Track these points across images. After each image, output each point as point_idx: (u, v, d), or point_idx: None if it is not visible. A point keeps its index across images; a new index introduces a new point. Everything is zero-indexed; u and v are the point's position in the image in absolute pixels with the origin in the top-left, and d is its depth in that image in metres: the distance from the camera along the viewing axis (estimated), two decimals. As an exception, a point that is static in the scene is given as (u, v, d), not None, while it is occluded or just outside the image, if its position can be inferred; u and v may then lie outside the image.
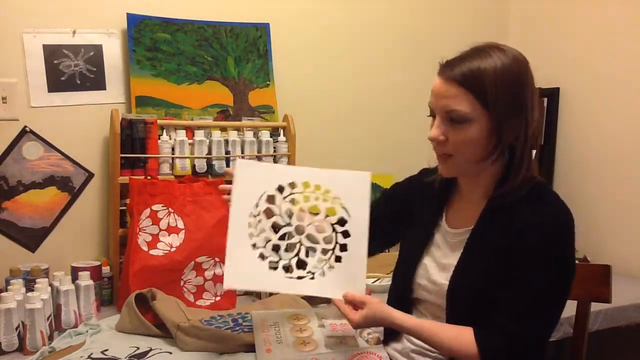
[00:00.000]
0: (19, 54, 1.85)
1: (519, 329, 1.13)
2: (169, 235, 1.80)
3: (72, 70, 1.92)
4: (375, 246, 1.32)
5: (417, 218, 1.37)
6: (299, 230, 1.25)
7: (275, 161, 2.08)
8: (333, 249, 1.22)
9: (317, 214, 1.26)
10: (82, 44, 1.93)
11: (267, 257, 1.23)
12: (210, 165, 1.98)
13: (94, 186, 1.96)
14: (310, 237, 1.25)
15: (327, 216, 1.25)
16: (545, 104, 2.43)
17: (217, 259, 1.84)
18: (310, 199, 1.25)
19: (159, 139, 1.92)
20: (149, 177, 1.86)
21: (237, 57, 2.15)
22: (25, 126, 1.86)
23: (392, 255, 1.58)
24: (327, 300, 1.80)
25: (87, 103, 1.95)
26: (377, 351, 1.33)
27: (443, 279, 1.24)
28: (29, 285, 1.59)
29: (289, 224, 1.25)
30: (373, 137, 2.42)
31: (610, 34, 2.24)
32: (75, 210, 1.93)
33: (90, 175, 1.96)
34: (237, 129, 2.05)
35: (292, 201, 1.26)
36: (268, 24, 2.21)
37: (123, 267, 1.80)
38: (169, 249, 1.78)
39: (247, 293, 1.98)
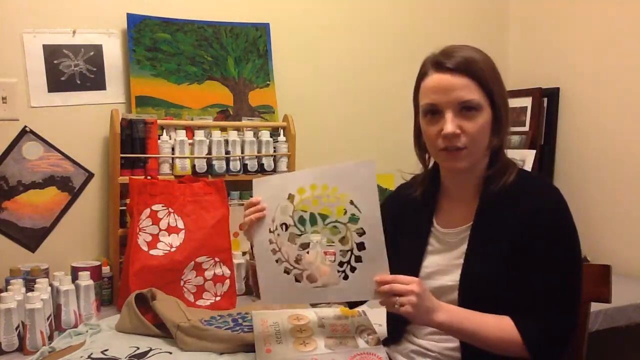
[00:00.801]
0: (19, 54, 1.85)
1: (555, 310, 1.15)
2: (169, 235, 1.80)
3: (72, 70, 1.92)
4: None
5: (406, 231, 1.34)
6: (315, 234, 1.25)
7: (275, 161, 2.08)
8: (351, 250, 1.22)
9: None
10: (82, 44, 1.93)
11: (291, 270, 1.24)
12: (210, 165, 1.98)
13: (94, 186, 1.96)
14: (326, 240, 1.25)
15: (338, 215, 1.24)
16: (545, 104, 2.43)
17: (217, 259, 1.84)
18: (319, 202, 1.25)
19: (159, 139, 1.92)
20: (149, 177, 1.86)
21: (237, 57, 2.15)
22: (25, 126, 1.86)
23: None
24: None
25: (87, 103, 1.95)
26: (376, 352, 1.33)
27: (450, 281, 1.24)
28: (29, 285, 1.59)
29: (304, 232, 1.25)
30: (373, 137, 2.42)
31: (610, 34, 2.24)
32: (75, 210, 1.93)
33: (90, 175, 1.96)
34: (237, 129, 2.05)
35: (304, 207, 1.26)
36: (268, 24, 2.21)
37: (123, 267, 1.80)
38: (169, 249, 1.78)
39: (247, 293, 1.98)
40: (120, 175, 1.85)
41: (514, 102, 2.46)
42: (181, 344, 1.47)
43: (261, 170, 2.05)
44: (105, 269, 1.85)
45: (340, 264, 1.22)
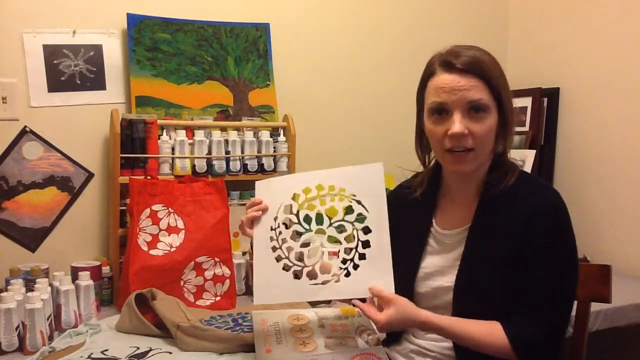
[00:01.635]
0: (19, 54, 1.85)
1: (545, 316, 1.15)
2: (169, 235, 1.80)
3: (72, 70, 1.92)
4: None
5: (406, 231, 1.34)
6: (320, 232, 1.24)
7: (275, 161, 2.08)
8: (356, 247, 1.21)
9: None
10: (82, 44, 1.93)
11: (291, 267, 1.23)
12: (210, 165, 1.98)
13: (94, 186, 1.96)
14: (331, 239, 1.24)
15: (345, 214, 1.24)
16: (545, 104, 2.43)
17: (217, 259, 1.84)
18: (326, 201, 1.25)
19: (159, 139, 1.92)
20: (149, 177, 1.86)
21: (237, 57, 2.15)
22: (25, 126, 1.86)
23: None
24: (328, 301, 1.80)
25: (87, 103, 1.95)
26: (376, 352, 1.33)
27: (446, 282, 1.24)
28: (29, 285, 1.60)
29: (309, 230, 1.24)
30: (373, 137, 2.42)
31: (610, 34, 2.24)
32: (75, 210, 1.93)
33: (90, 175, 1.96)
34: (237, 129, 2.05)
35: (309, 207, 1.26)
36: (268, 24, 2.21)
37: (123, 267, 1.80)
38: (169, 249, 1.78)
39: (247, 293, 1.98)
40: (120, 175, 1.85)
41: (514, 102, 2.46)
42: (181, 344, 1.47)
43: (261, 170, 2.05)
44: (105, 269, 1.85)
45: (344, 261, 1.22)
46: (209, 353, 1.44)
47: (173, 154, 1.94)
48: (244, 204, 2.03)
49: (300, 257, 1.21)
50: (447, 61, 1.17)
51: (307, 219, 1.24)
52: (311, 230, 1.23)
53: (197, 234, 1.82)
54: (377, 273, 1.19)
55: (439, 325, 1.16)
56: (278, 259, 1.23)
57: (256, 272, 1.24)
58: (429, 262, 1.29)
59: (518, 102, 2.46)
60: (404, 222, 1.35)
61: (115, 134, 1.84)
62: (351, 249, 1.21)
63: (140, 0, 2.01)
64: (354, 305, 1.17)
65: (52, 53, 1.89)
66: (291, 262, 1.23)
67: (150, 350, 1.46)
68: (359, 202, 1.24)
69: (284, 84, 2.22)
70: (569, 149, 2.39)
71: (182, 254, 1.78)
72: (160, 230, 1.80)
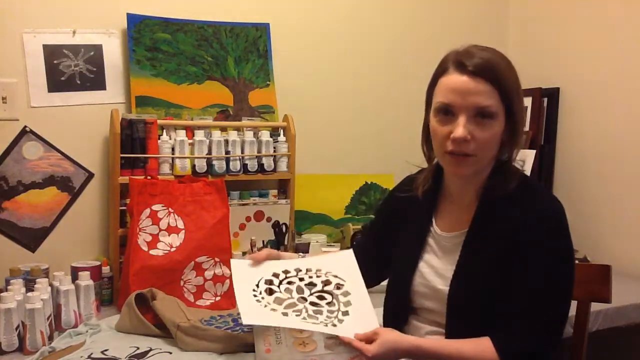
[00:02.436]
0: (19, 54, 1.85)
1: (536, 329, 1.13)
2: (169, 235, 1.80)
3: (72, 70, 1.92)
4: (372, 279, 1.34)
5: (408, 228, 1.34)
6: (302, 299, 1.27)
7: (275, 161, 2.08)
8: (338, 309, 1.25)
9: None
10: (82, 44, 1.93)
11: (277, 311, 1.24)
12: (210, 165, 1.98)
13: (94, 186, 1.96)
14: (314, 304, 1.27)
15: (324, 286, 1.29)
16: (545, 104, 2.43)
17: (217, 259, 1.84)
18: (304, 278, 1.30)
19: (159, 139, 1.92)
20: (149, 177, 1.86)
21: (237, 57, 2.15)
22: (25, 126, 1.86)
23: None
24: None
25: (87, 103, 1.95)
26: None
27: (441, 285, 1.23)
28: (29, 285, 1.59)
29: (290, 297, 1.27)
30: (373, 137, 2.42)
31: (610, 34, 2.24)
32: (75, 210, 1.93)
33: (90, 175, 1.96)
34: (237, 129, 2.05)
35: (289, 282, 1.30)
36: (268, 24, 2.20)
37: (123, 267, 1.80)
38: (169, 249, 1.78)
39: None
40: (120, 175, 1.85)
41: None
42: (181, 344, 1.47)
43: (261, 170, 2.05)
44: (105, 269, 1.85)
45: (328, 317, 1.23)
46: (209, 353, 1.44)
47: (173, 154, 1.94)
48: (244, 204, 2.04)
49: (285, 315, 1.23)
50: (460, 61, 1.14)
51: (288, 290, 1.27)
52: (293, 298, 1.26)
53: (197, 234, 1.82)
54: (362, 325, 1.21)
55: (427, 349, 1.15)
56: (265, 307, 1.24)
57: (240, 303, 1.24)
58: (427, 262, 1.28)
59: (518, 102, 2.46)
60: (406, 218, 1.34)
61: (115, 134, 1.84)
62: (334, 311, 1.24)
63: (140, 0, 2.01)
64: (342, 340, 1.18)
65: (52, 53, 1.89)
66: (277, 316, 1.23)
67: (150, 350, 1.46)
68: (335, 276, 1.30)
69: (284, 84, 2.22)
70: (569, 149, 2.39)
71: (182, 254, 1.78)
72: (160, 230, 1.80)
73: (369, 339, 1.15)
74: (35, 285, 1.54)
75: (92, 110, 1.95)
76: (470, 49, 1.17)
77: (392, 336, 1.16)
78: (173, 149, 1.94)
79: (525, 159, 2.33)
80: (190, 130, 1.97)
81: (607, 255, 2.17)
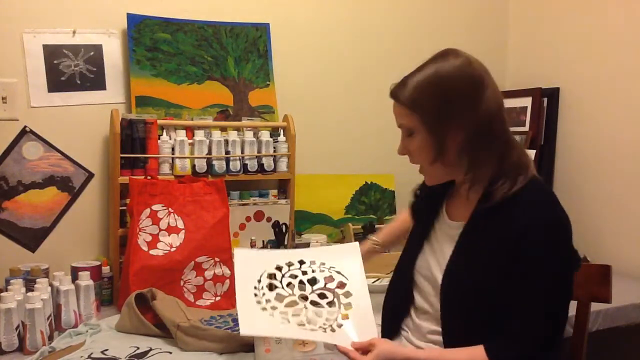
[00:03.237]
0: (19, 54, 1.85)
1: (528, 337, 1.12)
2: (169, 235, 1.80)
3: (72, 70, 1.92)
4: None
5: (424, 209, 1.39)
6: (303, 298, 1.27)
7: (275, 161, 2.08)
8: (338, 309, 1.25)
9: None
10: (82, 44, 1.93)
11: (275, 317, 1.23)
12: (210, 165, 1.98)
13: (94, 186, 1.96)
14: (314, 304, 1.26)
15: (326, 283, 1.29)
16: (545, 104, 2.43)
17: (217, 259, 1.84)
18: (307, 272, 1.31)
19: (159, 139, 1.92)
20: (149, 177, 1.86)
21: (237, 57, 2.15)
22: (25, 126, 1.86)
23: (391, 256, 1.58)
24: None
25: (87, 103, 1.95)
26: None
27: (438, 272, 1.25)
28: (29, 285, 1.59)
29: (292, 294, 1.27)
30: (373, 137, 2.42)
31: (610, 34, 2.24)
32: (75, 210, 1.93)
33: (90, 175, 1.96)
34: (237, 129, 2.05)
35: (292, 276, 1.30)
36: (268, 24, 2.21)
37: (123, 267, 1.80)
38: (169, 249, 1.78)
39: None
40: (120, 175, 1.86)
41: (514, 102, 2.47)
42: (181, 343, 1.47)
43: (261, 170, 2.05)
44: (105, 269, 1.85)
45: (327, 320, 1.24)
46: (209, 353, 1.44)
47: (173, 154, 1.94)
48: (244, 204, 2.04)
49: (284, 315, 1.22)
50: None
51: (290, 286, 1.27)
52: (294, 295, 1.26)
53: (197, 234, 1.82)
54: (362, 331, 1.22)
55: (420, 357, 1.18)
56: (264, 310, 1.23)
57: (240, 313, 1.23)
58: (432, 246, 1.31)
59: (518, 102, 2.46)
60: (423, 210, 1.40)
61: (115, 134, 1.84)
62: (334, 312, 1.25)
63: (140, 0, 2.01)
64: (339, 350, 1.19)
65: (52, 53, 1.89)
66: (275, 315, 1.22)
67: (150, 350, 1.46)
68: (338, 272, 1.31)
69: (284, 84, 2.22)
70: (569, 149, 2.39)
71: (182, 254, 1.78)
72: (160, 230, 1.80)
73: (365, 350, 1.17)
74: (35, 285, 1.54)
75: (92, 110, 1.95)
76: (407, 75, 1.24)
77: (388, 347, 1.17)
78: (173, 149, 1.94)
79: (525, 159, 2.33)
80: (190, 130, 1.97)
81: (607, 255, 2.17)
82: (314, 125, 2.27)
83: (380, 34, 2.43)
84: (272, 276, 1.29)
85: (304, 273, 1.30)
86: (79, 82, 1.93)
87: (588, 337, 1.48)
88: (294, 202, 2.13)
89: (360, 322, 1.24)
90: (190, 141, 1.96)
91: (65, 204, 1.92)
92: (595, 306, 1.53)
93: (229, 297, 1.84)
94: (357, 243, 1.40)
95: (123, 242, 1.85)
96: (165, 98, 2.02)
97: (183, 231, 1.82)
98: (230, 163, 2.01)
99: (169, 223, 1.81)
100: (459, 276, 1.20)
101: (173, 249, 1.79)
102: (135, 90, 1.98)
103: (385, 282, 1.92)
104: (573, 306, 1.48)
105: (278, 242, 1.89)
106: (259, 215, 2.08)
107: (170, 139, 1.94)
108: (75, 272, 1.70)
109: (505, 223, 1.16)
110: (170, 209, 1.83)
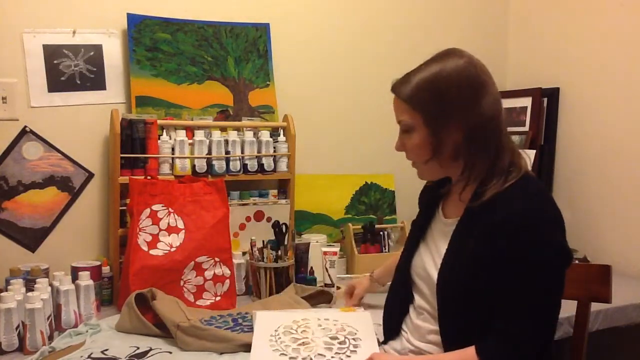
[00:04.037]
0: (19, 54, 1.85)
1: (519, 336, 1.12)
2: (169, 235, 1.80)
3: (72, 70, 1.92)
4: None
5: (422, 210, 1.41)
6: (316, 340, 1.40)
7: (275, 161, 2.08)
8: (348, 347, 1.37)
9: None
10: (82, 44, 1.93)
11: (287, 355, 1.33)
12: (210, 165, 1.98)
13: (94, 186, 1.96)
14: (326, 343, 1.39)
15: (337, 331, 1.43)
16: (545, 104, 2.43)
17: (217, 259, 1.84)
18: (322, 324, 1.46)
19: (159, 139, 1.92)
20: (149, 177, 1.86)
21: (237, 57, 2.15)
22: (25, 126, 1.86)
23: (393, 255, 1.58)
24: (328, 301, 1.81)
25: (87, 103, 1.95)
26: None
27: (433, 270, 1.25)
28: (29, 285, 1.59)
29: (305, 338, 1.40)
30: (373, 137, 2.41)
31: (610, 34, 2.24)
32: (75, 210, 1.93)
33: (90, 175, 1.96)
34: (237, 129, 2.05)
35: (306, 326, 1.45)
36: (268, 24, 2.21)
37: (123, 267, 1.80)
38: (169, 249, 1.78)
39: (247, 293, 1.98)
40: (120, 175, 1.85)
41: (514, 102, 2.47)
42: (181, 343, 1.47)
43: (261, 170, 2.05)
44: (105, 269, 1.85)
45: (337, 353, 1.35)
46: (209, 353, 1.44)
47: (173, 154, 1.94)
48: (244, 204, 2.04)
49: (296, 352, 1.34)
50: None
51: (304, 332, 1.42)
52: (307, 338, 1.40)
53: (197, 234, 1.82)
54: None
55: None
56: (275, 350, 1.35)
57: (254, 353, 1.36)
58: (428, 244, 1.32)
59: (518, 102, 2.46)
60: (422, 205, 1.42)
61: (115, 134, 1.84)
62: (344, 348, 1.36)
63: (140, 0, 2.01)
64: None
65: (52, 53, 1.89)
66: (287, 352, 1.34)
67: (150, 350, 1.46)
68: (350, 326, 1.46)
69: (284, 84, 2.22)
70: (569, 149, 2.39)
71: (182, 254, 1.78)
72: (160, 230, 1.80)
73: None
74: (35, 285, 1.54)
75: (92, 110, 1.95)
76: (410, 71, 1.25)
77: (383, 357, 1.27)
78: (173, 149, 1.94)
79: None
80: (190, 130, 1.97)
81: (607, 255, 2.17)
82: (314, 125, 2.27)
83: (380, 34, 2.43)
84: (288, 327, 1.44)
85: (319, 325, 1.45)
86: (79, 82, 1.93)
87: (588, 337, 1.48)
88: (294, 202, 2.13)
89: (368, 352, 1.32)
90: (190, 141, 1.96)
91: (65, 204, 1.92)
92: (595, 306, 1.53)
93: (229, 297, 1.85)
94: (368, 312, 1.56)
95: (123, 242, 1.85)
96: (165, 98, 2.02)
97: (183, 231, 1.82)
98: (230, 163, 2.01)
99: (169, 223, 1.81)
100: (453, 274, 1.20)
101: (173, 249, 1.79)
102: (135, 90, 1.98)
103: (385, 287, 1.93)
104: (573, 306, 1.48)
105: (278, 242, 1.89)
106: (259, 215, 2.08)
107: (170, 139, 1.94)
108: (75, 272, 1.70)
109: (493, 219, 1.15)
110: (170, 209, 1.83)
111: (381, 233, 2.20)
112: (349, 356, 1.32)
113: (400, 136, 1.27)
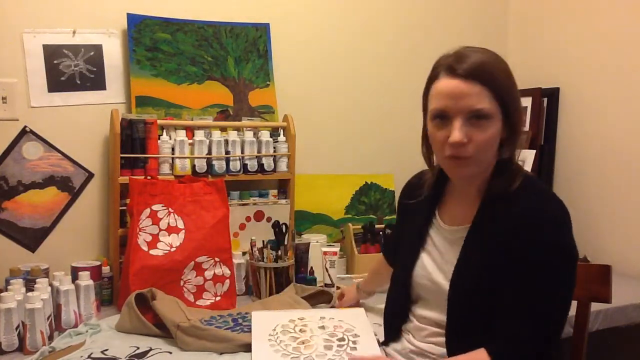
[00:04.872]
0: (19, 54, 1.85)
1: (529, 335, 1.11)
2: (169, 235, 1.80)
3: (72, 70, 1.92)
4: None
5: (412, 220, 1.35)
6: (315, 338, 1.41)
7: (275, 161, 2.08)
8: (347, 344, 1.39)
9: None
10: (82, 44, 1.93)
11: (289, 355, 1.34)
12: (210, 165, 1.98)
13: (94, 186, 1.96)
14: (325, 340, 1.40)
15: (335, 328, 1.44)
16: (545, 104, 2.43)
17: (217, 259, 1.84)
18: (318, 323, 1.47)
19: (159, 139, 1.92)
20: (149, 177, 1.86)
21: (237, 57, 2.15)
22: (25, 126, 1.86)
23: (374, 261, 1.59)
24: (328, 301, 1.81)
25: (87, 103, 1.95)
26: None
27: (442, 279, 1.23)
28: (29, 285, 1.59)
29: (303, 336, 1.42)
30: (373, 137, 2.42)
31: (610, 33, 2.24)
32: (75, 210, 1.93)
33: (90, 175, 1.96)
34: (237, 129, 2.05)
35: (304, 325, 1.46)
36: (268, 24, 2.21)
37: (123, 267, 1.80)
38: (169, 248, 1.78)
39: (247, 293, 1.98)
40: (120, 175, 1.85)
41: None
42: (181, 343, 1.47)
43: (261, 170, 2.05)
44: (105, 269, 1.85)
45: (337, 351, 1.37)
46: (209, 353, 1.44)
47: (173, 154, 1.94)
48: (244, 204, 2.04)
49: (297, 350, 1.36)
50: (451, 66, 1.14)
51: (302, 331, 1.44)
52: (306, 336, 1.41)
53: (197, 234, 1.82)
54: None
55: None
56: (276, 351, 1.36)
57: (254, 354, 1.37)
58: (429, 253, 1.28)
59: (518, 102, 2.46)
60: (410, 216, 1.36)
61: (115, 134, 1.84)
62: (343, 345, 1.38)
63: (140, 0, 2.01)
64: None
65: (52, 53, 1.89)
66: (288, 352, 1.35)
67: (150, 350, 1.46)
68: (347, 323, 1.46)
69: (284, 84, 2.22)
70: (569, 149, 2.39)
71: (182, 254, 1.78)
72: (160, 230, 1.80)
73: None
74: (35, 285, 1.54)
75: (92, 110, 1.95)
76: (462, 51, 1.17)
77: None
78: (173, 149, 1.94)
79: (525, 159, 2.33)
80: (190, 130, 1.97)
81: (607, 255, 2.17)
82: (314, 125, 2.27)
83: (380, 34, 2.43)
84: (285, 326, 1.45)
85: (316, 324, 1.46)
86: (79, 82, 1.93)
87: (588, 337, 1.47)
88: (294, 202, 2.13)
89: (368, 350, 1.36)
90: (190, 141, 1.96)
91: (65, 204, 1.92)
92: (595, 306, 1.53)
93: (229, 297, 1.85)
94: (362, 308, 1.57)
95: (123, 242, 1.85)
96: (165, 98, 2.02)
97: (183, 231, 1.82)
98: (230, 163, 2.01)
99: (169, 223, 1.81)
100: (468, 281, 1.18)
101: (173, 249, 1.79)
102: (135, 90, 1.98)
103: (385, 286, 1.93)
104: (573, 306, 1.47)
105: (278, 242, 1.89)
106: (259, 215, 2.08)
107: (170, 139, 1.94)
108: (75, 272, 1.70)
109: (504, 223, 1.15)
110: (170, 209, 1.83)
111: (381, 233, 2.20)
112: (349, 353, 1.33)
113: (465, 127, 1.12)
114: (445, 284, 1.21)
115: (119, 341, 1.51)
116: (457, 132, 1.12)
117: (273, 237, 1.91)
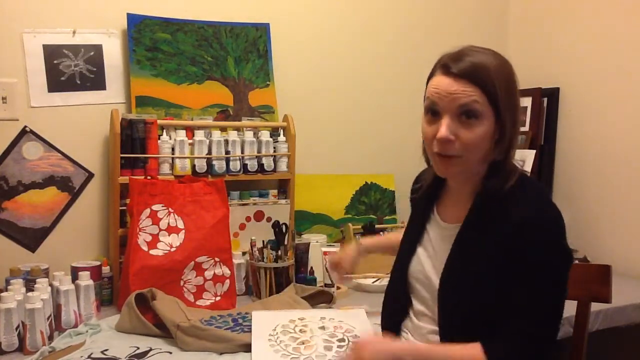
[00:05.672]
0: (19, 54, 1.85)
1: (528, 337, 1.12)
2: (169, 235, 1.80)
3: (72, 70, 1.92)
4: None
5: (413, 215, 1.38)
6: (315, 338, 1.43)
7: (275, 161, 2.08)
8: (347, 344, 1.40)
9: None
10: (82, 44, 1.93)
11: (288, 355, 1.36)
12: (210, 165, 1.98)
13: (94, 186, 1.96)
14: (325, 341, 1.42)
15: (335, 329, 1.46)
16: (545, 104, 2.43)
17: (217, 259, 1.84)
18: (319, 323, 1.49)
19: (159, 139, 1.92)
20: (149, 177, 1.86)
21: (237, 57, 2.15)
22: (25, 126, 1.86)
23: (391, 257, 1.58)
24: (328, 301, 1.81)
25: (87, 103, 1.95)
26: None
27: (434, 275, 1.24)
28: (29, 285, 1.59)
29: (304, 338, 1.43)
30: (373, 137, 2.42)
31: (610, 34, 2.24)
32: (75, 210, 1.93)
33: (90, 175, 1.96)
34: (237, 129, 2.05)
35: (304, 325, 1.48)
36: (268, 24, 2.21)
37: (123, 267, 1.80)
38: (169, 248, 1.78)
39: (247, 293, 1.98)
40: (120, 175, 1.85)
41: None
42: (181, 343, 1.47)
43: (261, 170, 2.05)
44: (105, 269, 1.85)
45: (337, 352, 1.38)
46: (209, 353, 1.44)
47: (173, 154, 1.94)
48: (244, 204, 2.04)
49: (297, 350, 1.37)
50: (447, 64, 1.15)
51: (302, 332, 1.45)
52: (306, 337, 1.43)
53: (197, 234, 1.82)
54: None
55: (416, 351, 1.18)
56: (276, 351, 1.37)
57: (254, 354, 1.38)
58: (425, 248, 1.29)
59: (518, 102, 2.46)
60: (414, 210, 1.38)
61: (115, 134, 1.84)
62: (343, 345, 1.40)
63: (140, 0, 2.01)
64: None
65: (52, 53, 1.89)
66: (288, 352, 1.36)
67: (150, 350, 1.46)
68: (347, 324, 1.48)
69: (284, 84, 2.22)
70: (569, 149, 2.39)
71: (182, 254, 1.78)
72: (160, 230, 1.80)
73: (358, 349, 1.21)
74: (35, 285, 1.54)
75: (92, 110, 1.95)
76: (463, 50, 1.17)
77: (381, 340, 1.23)
78: (173, 149, 1.94)
79: (525, 159, 2.33)
80: (190, 130, 1.97)
81: (607, 255, 2.17)
82: (314, 125, 2.27)
83: (380, 34, 2.43)
84: (285, 326, 1.47)
85: (316, 324, 1.48)
86: (79, 82, 1.93)
87: (588, 337, 1.48)
88: (294, 202, 2.13)
89: None
90: (190, 141, 1.96)
91: (65, 204, 1.92)
92: (595, 306, 1.53)
93: (229, 297, 1.85)
94: (362, 310, 1.58)
95: (123, 242, 1.85)
96: (165, 98, 2.02)
97: (183, 231, 1.82)
98: (230, 163, 2.01)
99: (169, 223, 1.81)
100: (457, 279, 1.19)
101: (173, 249, 1.79)
102: (135, 90, 1.98)
103: (385, 281, 1.93)
104: (573, 306, 1.48)
105: (278, 242, 1.89)
106: (259, 215, 2.08)
107: (170, 139, 1.94)
108: (75, 272, 1.70)
109: (501, 222, 1.15)
110: (170, 209, 1.83)
111: (381, 233, 2.20)
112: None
113: (453, 124, 1.13)
114: (437, 280, 1.22)
115: (119, 341, 1.51)
116: (443, 128, 1.13)
117: (273, 237, 1.91)
